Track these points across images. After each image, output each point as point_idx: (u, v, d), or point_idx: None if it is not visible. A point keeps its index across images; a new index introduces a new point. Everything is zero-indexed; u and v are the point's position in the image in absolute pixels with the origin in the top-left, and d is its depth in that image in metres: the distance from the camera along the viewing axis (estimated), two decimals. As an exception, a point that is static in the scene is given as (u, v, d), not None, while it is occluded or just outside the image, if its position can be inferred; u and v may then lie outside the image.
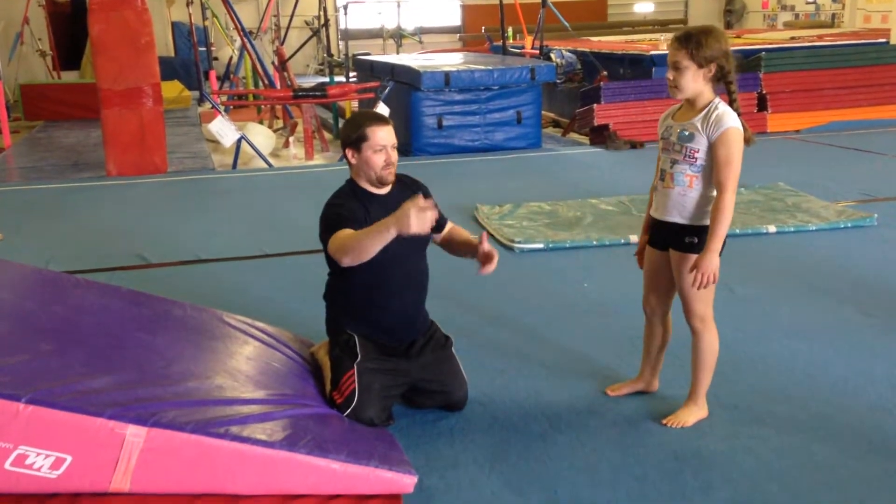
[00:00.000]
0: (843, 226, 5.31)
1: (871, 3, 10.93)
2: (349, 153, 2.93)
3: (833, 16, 15.36)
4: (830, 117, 9.32)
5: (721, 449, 2.75)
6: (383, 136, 2.88)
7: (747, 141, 2.73)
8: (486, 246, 2.85)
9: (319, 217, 2.93)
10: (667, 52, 2.87)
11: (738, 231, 5.08)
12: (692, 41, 2.68)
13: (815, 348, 3.51)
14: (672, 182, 2.80)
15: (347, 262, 2.68)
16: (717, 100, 2.75)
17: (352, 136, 2.90)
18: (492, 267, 2.84)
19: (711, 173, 2.73)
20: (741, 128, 2.70)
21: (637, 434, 2.86)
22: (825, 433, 2.83)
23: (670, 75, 2.74)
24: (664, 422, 2.92)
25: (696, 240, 2.78)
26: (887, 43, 10.18)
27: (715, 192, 2.74)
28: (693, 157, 2.74)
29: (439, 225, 3.08)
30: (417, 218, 2.45)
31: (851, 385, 3.18)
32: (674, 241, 2.84)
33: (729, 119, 2.69)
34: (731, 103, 2.76)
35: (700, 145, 2.72)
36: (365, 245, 2.60)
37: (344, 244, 2.69)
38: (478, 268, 2.86)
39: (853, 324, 3.79)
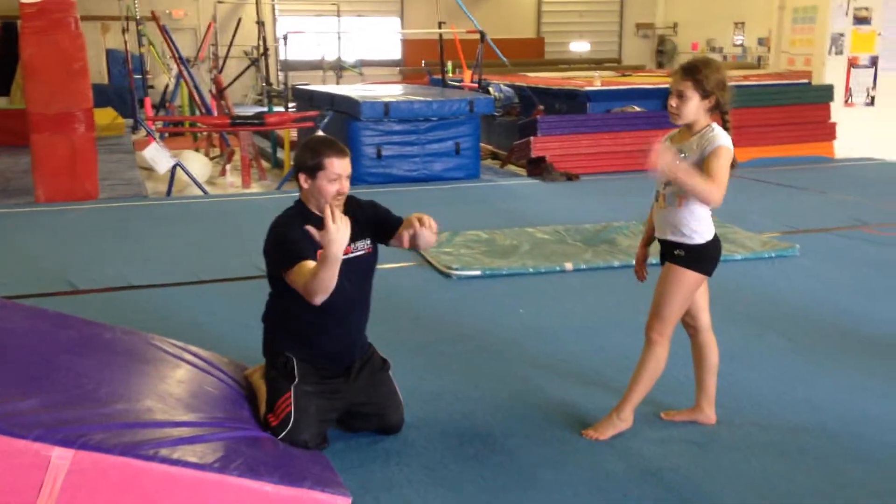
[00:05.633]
0: (767, 256, 5.50)
1: (794, 47, 11.41)
2: (302, 177, 2.90)
3: (759, 58, 15.98)
4: (756, 153, 9.66)
5: (654, 466, 2.81)
6: (340, 167, 2.86)
7: (733, 165, 2.83)
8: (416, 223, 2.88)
9: (270, 236, 2.92)
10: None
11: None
12: (698, 72, 2.79)
13: (739, 371, 3.61)
14: (664, 202, 2.90)
15: (319, 300, 2.70)
16: (714, 124, 2.85)
17: (308, 163, 2.88)
18: (427, 232, 2.88)
19: None
20: (732, 147, 2.80)
21: (570, 453, 2.91)
22: (748, 452, 2.92)
23: (673, 102, 2.82)
24: (583, 433, 2.99)
25: (683, 252, 2.87)
26: (809, 84, 10.62)
27: (703, 211, 2.84)
28: None
29: (391, 228, 3.04)
30: (338, 239, 2.54)
31: (774, 406, 3.28)
32: (668, 256, 2.94)
33: (723, 139, 2.79)
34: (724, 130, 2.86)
35: (693, 164, 2.78)
36: (327, 279, 2.62)
37: (310, 287, 2.68)
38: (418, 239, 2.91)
39: (775, 348, 3.92)
